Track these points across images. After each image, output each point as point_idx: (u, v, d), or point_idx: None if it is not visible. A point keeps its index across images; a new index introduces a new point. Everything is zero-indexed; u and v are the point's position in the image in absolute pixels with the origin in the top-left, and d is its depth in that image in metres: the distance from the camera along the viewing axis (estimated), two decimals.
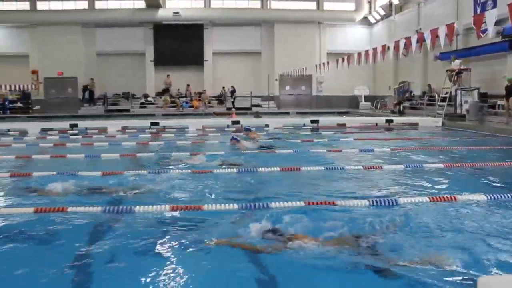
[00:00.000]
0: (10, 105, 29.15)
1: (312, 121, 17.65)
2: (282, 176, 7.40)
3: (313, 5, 31.49)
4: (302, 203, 5.30)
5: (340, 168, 7.86)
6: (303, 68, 25.42)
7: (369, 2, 30.89)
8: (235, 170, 7.65)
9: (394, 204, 5.38)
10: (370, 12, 30.84)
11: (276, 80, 30.85)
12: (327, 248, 3.88)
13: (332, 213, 5.10)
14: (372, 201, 5.41)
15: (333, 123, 17.89)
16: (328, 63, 21.60)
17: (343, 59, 19.55)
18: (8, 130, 16.35)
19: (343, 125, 17.21)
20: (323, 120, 18.23)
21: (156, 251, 4.00)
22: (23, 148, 11.82)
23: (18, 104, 29.49)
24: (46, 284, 3.40)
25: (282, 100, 31.33)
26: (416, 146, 11.63)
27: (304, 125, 17.27)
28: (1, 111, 28.73)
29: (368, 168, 7.89)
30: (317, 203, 5.35)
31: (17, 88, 29.09)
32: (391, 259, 3.72)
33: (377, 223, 4.69)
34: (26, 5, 30.30)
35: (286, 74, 28.58)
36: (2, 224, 4.82)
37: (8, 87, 28.67)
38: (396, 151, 10.31)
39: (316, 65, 24.62)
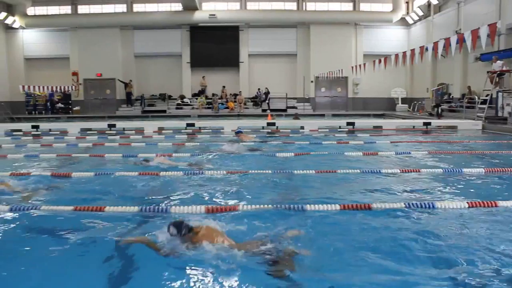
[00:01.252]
0: (52, 106, 30.10)
1: (348, 124, 17.46)
2: (317, 179, 7.34)
3: (349, 6, 31.20)
4: (338, 206, 5.25)
5: (376, 171, 7.74)
6: (339, 70, 25.20)
7: (407, 3, 30.37)
8: (270, 171, 7.64)
9: (431, 208, 5.27)
10: (407, 13, 30.31)
11: (311, 81, 30.70)
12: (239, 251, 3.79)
13: (368, 216, 5.05)
14: (409, 204, 5.31)
15: (369, 125, 17.67)
16: (364, 64, 21.31)
17: (379, 61, 19.26)
18: (50, 130, 16.85)
19: (379, 128, 16.97)
20: (359, 122, 18.02)
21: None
22: (64, 148, 12.15)
23: (60, 105, 30.41)
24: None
25: (317, 102, 31.14)
26: (455, 149, 11.36)
27: (339, 127, 17.10)
28: (44, 112, 29.69)
29: (405, 171, 7.75)
30: (352, 206, 5.29)
31: (58, 89, 29.89)
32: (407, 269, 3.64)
33: (410, 226, 4.61)
34: (68, 9, 31.17)
35: (322, 75, 28.39)
36: (44, 221, 4.95)
37: (50, 89, 29.49)
38: (434, 154, 10.09)
39: (352, 67, 24.34)
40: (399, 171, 7.76)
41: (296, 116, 21.72)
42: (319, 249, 4.08)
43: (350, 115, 25.05)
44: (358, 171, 7.69)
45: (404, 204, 5.34)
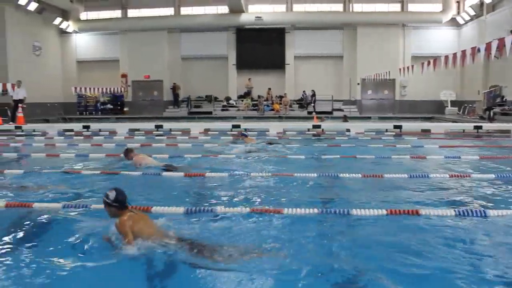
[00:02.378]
0: (102, 107, 31.02)
1: (395, 127, 17.11)
2: (363, 183, 7.24)
3: (397, 7, 30.62)
4: (384, 211, 5.15)
5: (424, 175, 7.55)
6: (386, 72, 24.78)
7: (458, 2, 29.49)
8: (315, 174, 7.59)
9: (483, 215, 5.09)
10: (458, 13, 29.43)
11: (358, 84, 30.31)
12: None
13: (416, 222, 4.94)
14: (459, 211, 5.15)
15: (417, 128, 17.25)
16: (412, 66, 20.84)
17: (428, 63, 18.80)
18: (100, 130, 17.35)
19: (427, 131, 16.55)
20: (407, 125, 17.63)
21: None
22: (113, 147, 12.48)
23: (109, 106, 31.32)
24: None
25: (363, 105, 30.73)
26: (508, 154, 10.93)
27: (386, 130, 16.79)
28: (94, 112, 30.65)
29: (455, 177, 7.53)
30: (399, 212, 5.18)
31: (108, 91, 30.77)
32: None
33: (460, 234, 4.48)
34: (118, 13, 32.07)
35: (369, 78, 27.97)
36: (95, 218, 5.09)
37: (100, 90, 30.40)
38: (485, 159, 9.74)
39: (399, 69, 23.86)
40: (448, 176, 7.54)
41: (345, 118, 21.46)
42: (365, 254, 4.02)
43: (397, 118, 24.56)
44: (406, 175, 7.52)
45: (454, 211, 5.18)
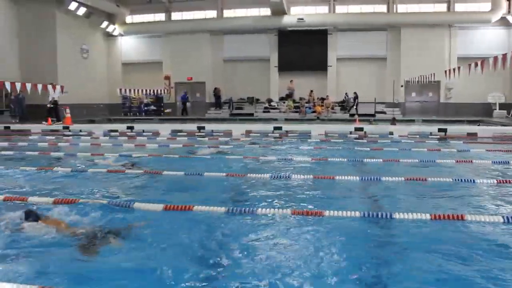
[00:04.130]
0: (145, 108, 31.67)
1: (440, 130, 16.69)
2: (406, 186, 7.10)
3: (443, 7, 29.87)
4: (428, 216, 5.03)
5: (469, 180, 7.33)
6: (430, 74, 24.20)
7: (508, 1, 28.39)
8: (357, 177, 7.50)
9: None
10: (509, 12, 28.41)
11: (401, 86, 29.77)
12: None
13: (461, 228, 4.81)
14: (507, 218, 4.97)
15: (463, 132, 16.77)
16: (459, 68, 20.27)
17: (476, 64, 18.26)
18: (143, 131, 17.70)
19: (474, 135, 16.06)
20: (452, 128, 17.17)
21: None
22: (155, 148, 12.70)
23: (152, 107, 31.95)
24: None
25: (407, 107, 30.15)
26: None
27: (431, 133, 16.41)
28: (137, 113, 31.34)
29: (503, 182, 7.27)
30: (443, 217, 5.05)
31: (151, 92, 31.38)
32: None
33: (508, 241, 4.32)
34: (162, 17, 32.70)
35: (413, 80, 27.40)
36: (135, 218, 5.19)
37: (144, 91, 31.05)
38: None
39: (445, 71, 23.26)
40: (495, 182, 7.30)
41: (394, 121, 21.06)
42: (407, 259, 3.94)
43: (442, 121, 23.95)
44: (450, 179, 7.33)
45: (502, 217, 5.00)
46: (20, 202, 5.79)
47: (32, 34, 26.79)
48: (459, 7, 29.49)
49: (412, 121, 25.76)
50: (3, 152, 11.29)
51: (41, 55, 26.73)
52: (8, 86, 20.08)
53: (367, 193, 6.75)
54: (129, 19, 32.89)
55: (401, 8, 30.19)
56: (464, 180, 7.34)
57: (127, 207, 5.49)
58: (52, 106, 21.76)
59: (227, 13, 31.97)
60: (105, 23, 30.92)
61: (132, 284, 3.52)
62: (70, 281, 3.56)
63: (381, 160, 9.62)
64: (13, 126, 20.03)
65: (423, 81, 26.25)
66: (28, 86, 20.27)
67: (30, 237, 4.44)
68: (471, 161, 9.49)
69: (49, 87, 21.36)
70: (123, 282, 3.53)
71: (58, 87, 20.99)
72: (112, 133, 17.46)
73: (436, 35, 29.27)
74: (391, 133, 16.21)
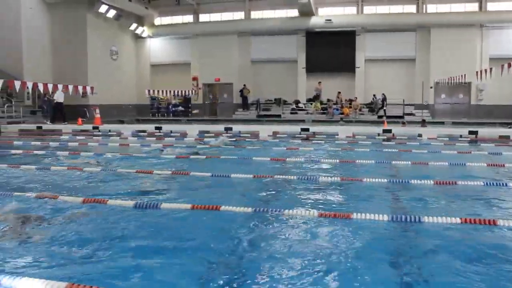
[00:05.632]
0: (173, 109, 31.99)
1: (470, 132, 16.35)
2: (435, 189, 6.98)
3: (474, 7, 29.25)
4: (458, 219, 4.93)
5: (502, 184, 7.16)
6: (461, 75, 23.76)
7: None
8: (385, 180, 7.41)
9: None
10: None
11: (431, 87, 29.28)
12: None
13: (492, 233, 4.69)
14: None
15: (495, 135, 16.40)
16: (490, 69, 19.83)
17: (509, 65, 17.84)
18: (171, 132, 17.87)
19: (506, 138, 15.68)
20: (483, 131, 16.80)
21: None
22: (183, 149, 12.79)
23: (180, 108, 32.25)
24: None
25: (436, 109, 29.68)
26: None
27: (461, 136, 16.10)
28: (165, 114, 31.68)
29: None
30: (474, 221, 4.94)
31: (179, 93, 31.68)
32: None
33: None
34: (190, 18, 32.99)
35: (442, 81, 26.92)
36: (165, 218, 5.24)
37: (172, 93, 31.37)
38: None
39: (476, 72, 22.80)
40: None
41: (423, 123, 20.75)
42: (435, 264, 3.87)
43: (472, 124, 23.49)
44: (482, 183, 7.17)
45: None
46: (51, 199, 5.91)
47: (64, 37, 27.41)
48: (491, 6, 28.83)
49: (442, 123, 25.34)
50: (36, 152, 11.56)
51: (72, 57, 27.32)
52: (41, 87, 20.53)
53: (395, 196, 6.66)
54: (157, 21, 33.33)
55: (431, 8, 29.71)
56: (496, 184, 7.17)
57: (155, 207, 5.54)
58: (55, 106, 22.35)
59: (255, 14, 32.06)
60: (134, 25, 31.38)
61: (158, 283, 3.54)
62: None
63: (409, 162, 9.49)
64: (44, 126, 20.49)
65: (453, 82, 25.77)
66: (60, 87, 20.69)
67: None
68: (503, 165, 9.26)
69: (50, 86, 21.39)
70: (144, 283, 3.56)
71: (60, 87, 21.19)
72: (140, 133, 17.69)
73: (467, 35, 28.69)
74: (420, 135, 15.98)
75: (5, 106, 22.44)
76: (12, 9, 25.43)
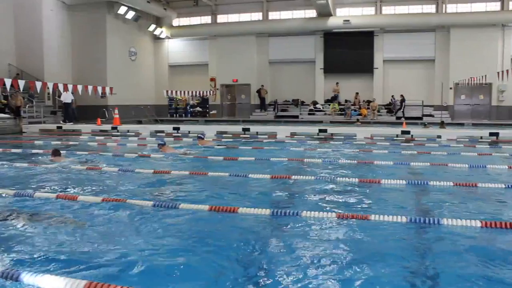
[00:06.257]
0: (191, 110, 32.12)
1: (491, 134, 16.12)
2: (455, 192, 6.90)
3: (496, 6, 28.79)
4: (479, 223, 4.87)
5: None
6: (482, 76, 23.43)
7: None
8: (403, 181, 7.34)
9: None
10: None
11: (450, 88, 28.93)
12: None
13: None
14: None
15: None
16: None
17: None
18: (189, 132, 17.97)
19: None
20: (504, 133, 16.54)
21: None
22: (201, 150, 12.85)
23: (198, 109, 32.37)
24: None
25: (456, 110, 29.29)
26: None
27: (481, 137, 15.88)
28: (183, 115, 31.83)
29: None
30: (495, 224, 4.87)
31: (197, 94, 31.80)
32: None
33: None
34: (208, 19, 33.11)
35: (462, 82, 26.57)
36: (180, 218, 5.27)
37: (189, 93, 31.50)
38: None
39: (497, 72, 22.46)
40: None
41: (442, 124, 20.54)
42: (454, 268, 3.83)
43: (493, 125, 23.16)
44: (503, 185, 7.07)
45: None
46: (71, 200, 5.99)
47: (84, 38, 27.73)
48: None
49: (462, 124, 25.04)
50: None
51: (92, 58, 27.63)
52: (61, 88, 20.79)
53: (413, 198, 6.61)
54: (176, 22, 33.51)
55: (451, 8, 29.32)
56: None
57: (174, 207, 5.57)
58: (65, 106, 22.72)
59: (272, 15, 32.01)
60: (152, 26, 31.61)
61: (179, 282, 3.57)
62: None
63: (428, 164, 9.40)
64: (64, 126, 20.76)
65: (474, 83, 25.44)
66: (80, 88, 20.92)
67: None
68: None
69: (70, 87, 21.50)
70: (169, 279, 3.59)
71: (70, 87, 21.36)
72: (158, 134, 17.81)
73: (488, 35, 28.23)
74: (439, 137, 15.82)
75: (27, 107, 22.78)
76: (33, 11, 25.83)
